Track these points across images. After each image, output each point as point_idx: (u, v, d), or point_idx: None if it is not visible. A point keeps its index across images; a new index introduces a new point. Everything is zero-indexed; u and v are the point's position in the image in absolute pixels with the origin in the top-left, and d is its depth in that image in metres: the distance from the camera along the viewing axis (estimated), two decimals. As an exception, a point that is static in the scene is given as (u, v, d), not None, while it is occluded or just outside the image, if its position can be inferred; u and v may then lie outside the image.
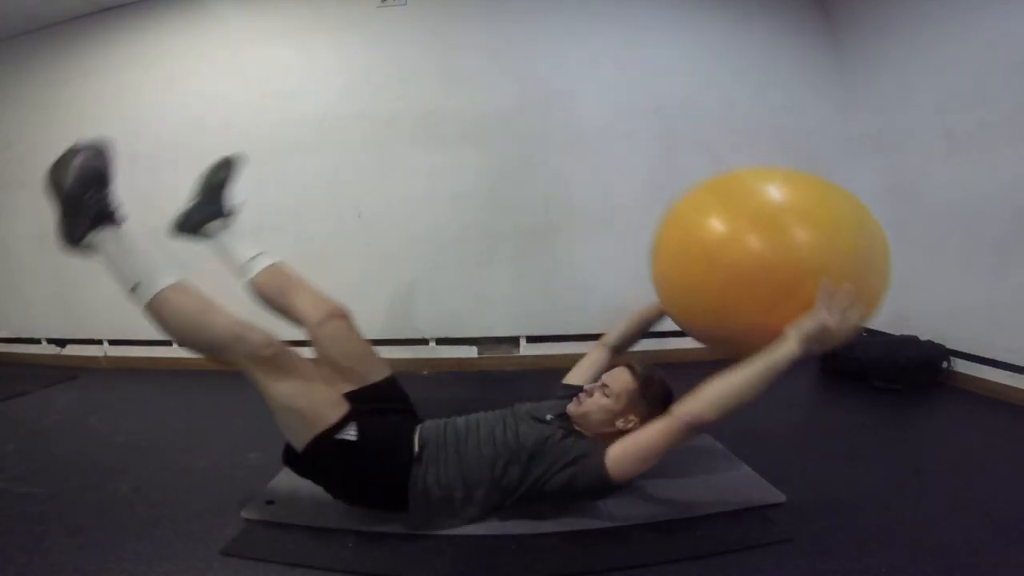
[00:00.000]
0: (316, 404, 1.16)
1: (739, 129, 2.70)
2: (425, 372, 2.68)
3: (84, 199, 1.13)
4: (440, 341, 2.75)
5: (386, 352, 2.73)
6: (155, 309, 1.14)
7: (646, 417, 1.30)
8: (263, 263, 1.47)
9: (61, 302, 2.95)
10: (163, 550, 1.16)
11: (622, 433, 1.29)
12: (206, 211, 1.50)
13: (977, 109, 2.11)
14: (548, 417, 1.32)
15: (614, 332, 1.65)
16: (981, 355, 2.15)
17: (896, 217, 2.58)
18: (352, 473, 1.19)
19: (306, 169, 2.66)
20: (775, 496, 1.33)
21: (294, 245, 2.71)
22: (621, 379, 1.32)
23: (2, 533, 1.23)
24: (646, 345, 2.83)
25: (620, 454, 1.16)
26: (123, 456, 1.68)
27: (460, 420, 1.35)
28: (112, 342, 2.94)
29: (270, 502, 1.34)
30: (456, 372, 2.67)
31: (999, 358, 2.09)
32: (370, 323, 2.81)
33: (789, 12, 2.73)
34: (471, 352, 2.75)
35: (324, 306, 1.42)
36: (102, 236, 1.15)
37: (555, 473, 1.20)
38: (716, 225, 1.25)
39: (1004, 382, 2.06)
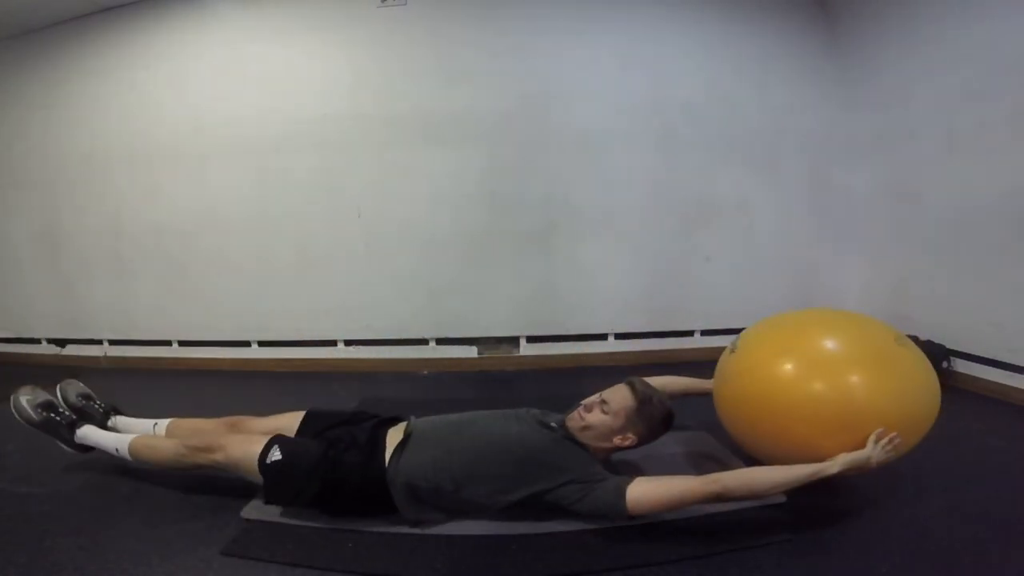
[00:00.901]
0: (245, 448, 1.31)
1: (739, 129, 2.70)
2: (425, 372, 2.68)
3: (53, 421, 1.51)
4: (440, 341, 2.75)
5: (386, 352, 2.74)
6: (135, 456, 1.44)
7: (643, 435, 1.32)
8: (164, 424, 1.63)
9: (61, 302, 2.95)
10: (163, 550, 1.16)
11: (618, 449, 1.31)
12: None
13: (977, 109, 2.11)
14: (554, 424, 1.33)
15: (659, 380, 1.59)
16: (981, 355, 2.15)
17: (896, 217, 2.59)
18: (306, 483, 1.23)
19: (306, 169, 2.66)
20: (775, 496, 1.32)
21: (294, 245, 2.71)
22: (620, 396, 1.32)
23: (2, 533, 1.23)
24: (649, 345, 2.85)
25: (644, 496, 1.17)
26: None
27: (454, 416, 1.37)
28: (112, 342, 2.94)
29: (270, 502, 1.34)
30: (456, 372, 2.67)
31: (999, 358, 2.09)
32: (370, 323, 2.83)
33: (790, 12, 2.72)
34: (471, 352, 2.75)
35: (221, 425, 1.60)
36: (84, 435, 1.51)
37: (560, 486, 1.20)
38: (790, 370, 1.30)
39: (1004, 382, 2.06)
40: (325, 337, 2.77)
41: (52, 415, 1.52)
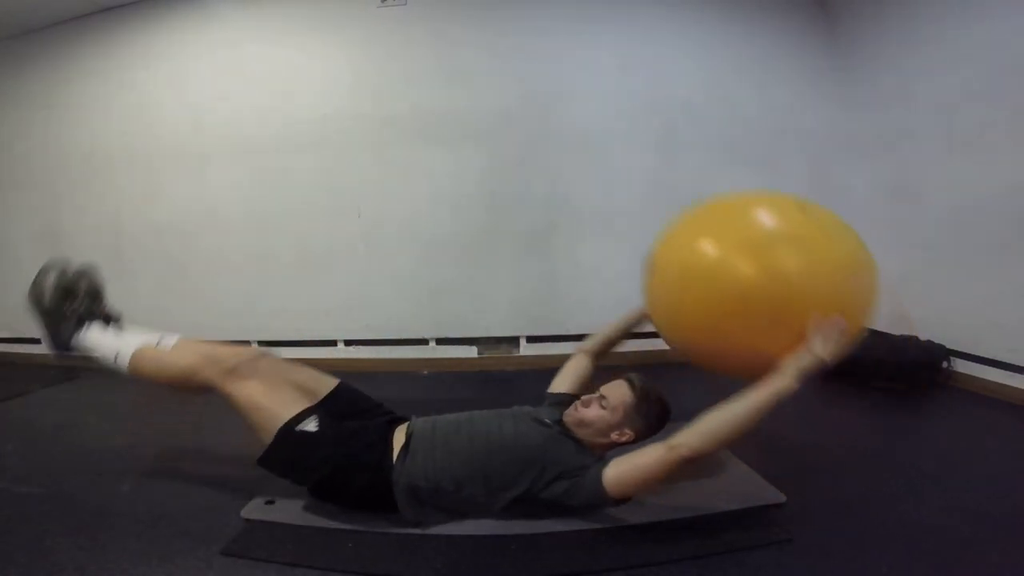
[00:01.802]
0: (278, 401, 1.25)
1: (739, 129, 2.70)
2: (425, 372, 2.68)
3: (63, 311, 1.39)
4: (440, 341, 2.75)
5: (386, 352, 2.74)
6: (135, 366, 1.34)
7: (641, 432, 1.31)
8: (173, 339, 1.44)
9: (61, 302, 2.95)
10: (163, 550, 1.16)
11: (616, 445, 1.31)
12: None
13: (977, 109, 2.11)
14: (548, 421, 1.33)
15: (595, 338, 1.68)
16: (981, 355, 2.15)
17: (896, 217, 2.58)
18: (318, 465, 1.21)
19: (306, 169, 2.66)
20: (775, 496, 1.32)
21: (294, 245, 2.71)
22: (619, 392, 1.32)
23: (2, 533, 1.23)
24: (639, 346, 2.84)
25: (617, 477, 1.18)
26: (123, 456, 1.68)
27: (452, 416, 1.37)
28: (112, 342, 2.94)
29: (270, 502, 1.34)
30: (456, 372, 2.67)
31: (999, 358, 2.09)
32: (370, 323, 2.83)
33: (790, 12, 2.72)
34: (471, 352, 2.75)
35: (241, 353, 1.42)
36: (84, 336, 1.40)
37: (551, 481, 1.20)
38: (711, 250, 1.28)
39: (1004, 382, 2.06)
40: (325, 337, 2.77)
41: (66, 305, 1.39)
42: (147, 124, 2.72)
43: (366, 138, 2.64)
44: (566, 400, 1.43)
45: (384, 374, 2.65)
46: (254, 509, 1.31)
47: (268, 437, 1.23)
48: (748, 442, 1.63)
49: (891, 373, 2.20)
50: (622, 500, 1.21)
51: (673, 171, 2.69)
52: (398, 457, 1.24)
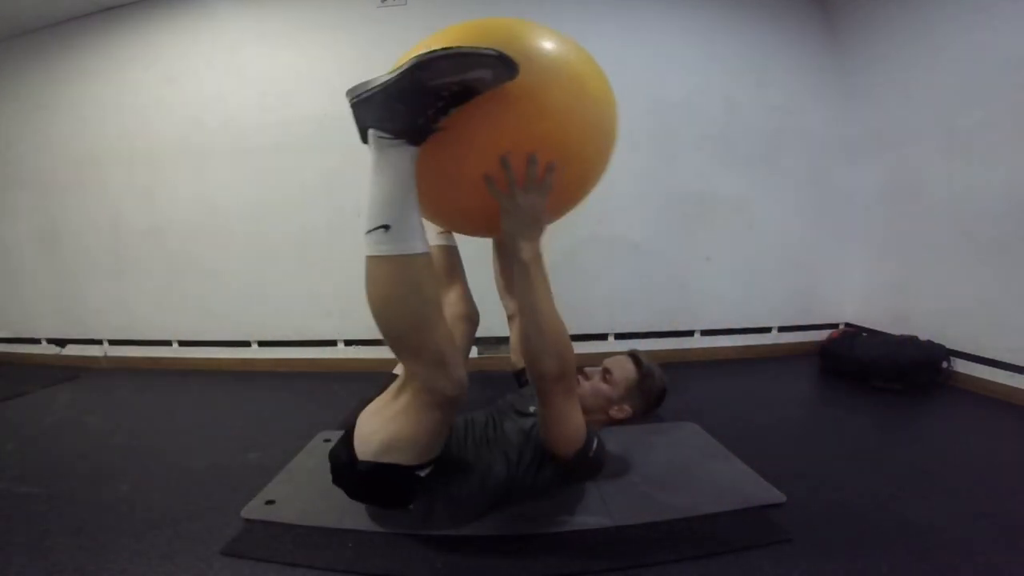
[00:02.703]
0: (431, 446, 1.09)
1: (739, 129, 2.70)
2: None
3: (430, 105, 0.88)
4: (440, 341, 2.75)
5: (387, 352, 2.73)
6: (391, 268, 0.93)
7: (639, 409, 1.31)
8: (452, 240, 1.48)
9: (61, 302, 2.95)
10: (163, 550, 1.16)
11: (612, 421, 1.30)
12: None
13: (977, 109, 2.11)
14: (531, 409, 1.31)
15: (504, 292, 1.59)
16: (981, 355, 2.15)
17: (896, 217, 2.59)
18: (391, 490, 1.15)
19: (306, 168, 2.66)
20: (775, 496, 1.33)
21: (294, 245, 2.71)
22: (624, 368, 1.32)
23: (2, 533, 1.23)
24: (649, 345, 2.85)
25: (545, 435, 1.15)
26: (123, 456, 1.68)
27: (459, 420, 1.36)
28: (112, 342, 2.94)
29: (270, 502, 1.34)
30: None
31: (999, 358, 2.09)
32: (371, 323, 2.81)
33: (789, 12, 2.72)
34: (471, 352, 2.74)
35: (468, 306, 1.45)
36: (401, 148, 0.92)
37: (541, 467, 1.20)
38: None
39: (1004, 382, 2.06)
40: (325, 337, 2.76)
41: (453, 104, 0.91)
42: (147, 124, 2.72)
43: (366, 138, 2.64)
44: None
45: (384, 374, 2.65)
46: (254, 509, 1.31)
47: (391, 458, 1.06)
48: (748, 442, 1.64)
49: (891, 373, 2.20)
50: (570, 454, 1.13)
51: (673, 171, 2.69)
52: (432, 468, 1.20)
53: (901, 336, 2.39)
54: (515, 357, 1.57)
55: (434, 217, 1.16)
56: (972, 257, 2.19)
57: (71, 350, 2.99)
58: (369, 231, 0.93)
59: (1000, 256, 2.07)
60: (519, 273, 1.04)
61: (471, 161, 0.97)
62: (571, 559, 1.12)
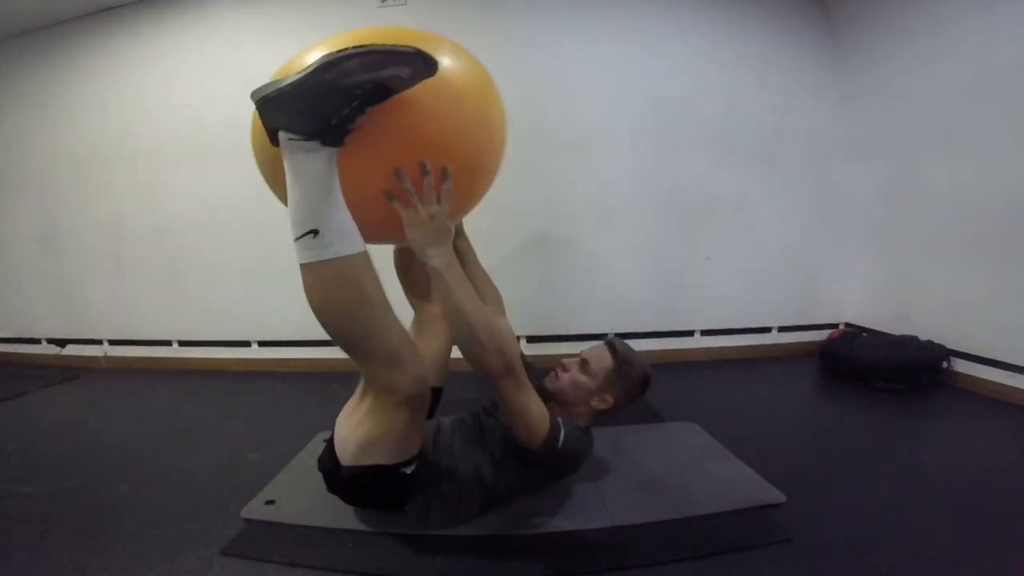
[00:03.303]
0: (406, 442, 1.09)
1: (739, 129, 2.70)
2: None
3: (344, 105, 0.83)
4: (440, 341, 2.75)
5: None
6: (328, 273, 0.89)
7: (621, 399, 1.30)
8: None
9: (61, 302, 2.95)
10: (163, 550, 1.16)
11: (594, 412, 1.29)
12: None
13: (976, 109, 2.11)
14: None
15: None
16: (981, 355, 2.15)
17: (896, 217, 2.59)
18: (381, 492, 1.16)
19: (306, 169, 2.66)
20: (775, 496, 1.33)
21: (294, 245, 2.71)
22: (600, 357, 1.31)
23: (2, 533, 1.23)
24: (649, 345, 2.85)
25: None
26: (123, 456, 1.68)
27: (447, 421, 1.36)
28: (112, 342, 2.94)
29: (270, 502, 1.34)
30: (456, 372, 2.66)
31: (999, 358, 2.09)
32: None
33: (788, 12, 2.72)
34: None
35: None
36: (317, 151, 0.86)
37: (521, 465, 1.20)
38: None
39: (1004, 382, 2.06)
40: (325, 337, 2.75)
41: (367, 104, 0.86)
42: (147, 124, 2.72)
43: (366, 138, 2.64)
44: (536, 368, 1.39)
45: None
46: (254, 509, 1.31)
47: (370, 460, 1.06)
48: (748, 442, 1.64)
49: (891, 373, 2.20)
50: (539, 445, 1.12)
51: (673, 171, 2.69)
52: (417, 465, 1.21)
53: (901, 336, 2.39)
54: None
55: None
56: (972, 257, 2.19)
57: (71, 350, 2.99)
58: (297, 238, 0.89)
59: (1000, 256, 2.07)
60: (436, 280, 1.03)
61: (362, 174, 0.94)
62: (571, 559, 1.12)
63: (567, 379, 1.30)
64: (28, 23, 2.75)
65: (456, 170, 0.98)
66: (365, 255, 0.91)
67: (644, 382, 1.33)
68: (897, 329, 2.49)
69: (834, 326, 2.85)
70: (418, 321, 1.47)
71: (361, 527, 1.22)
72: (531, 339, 2.75)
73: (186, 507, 1.34)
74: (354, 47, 0.81)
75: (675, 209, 2.72)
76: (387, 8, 2.60)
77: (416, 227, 0.98)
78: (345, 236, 0.89)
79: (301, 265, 0.90)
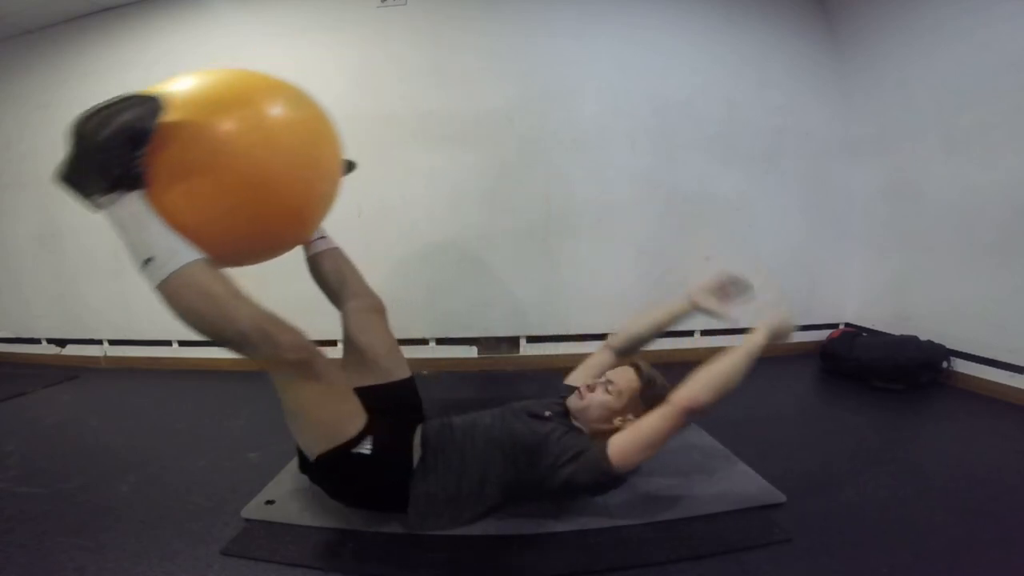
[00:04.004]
0: (338, 416, 1.14)
1: (739, 129, 2.70)
2: (425, 372, 2.68)
3: (113, 157, 0.94)
4: (440, 341, 2.75)
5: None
6: (172, 288, 0.97)
7: None
8: (330, 244, 1.56)
9: (61, 302, 2.95)
10: (163, 550, 1.16)
11: (618, 431, 1.29)
12: None
13: (976, 109, 2.11)
14: (547, 414, 1.32)
15: (621, 334, 1.63)
16: (981, 355, 2.15)
17: (896, 216, 2.59)
18: (360, 482, 1.18)
19: (306, 169, 2.66)
20: (775, 496, 1.33)
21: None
22: (625, 377, 1.32)
23: (2, 533, 1.23)
24: (651, 345, 2.84)
25: (622, 444, 1.17)
26: (123, 456, 1.68)
27: (458, 420, 1.35)
28: (112, 342, 2.94)
29: (270, 502, 1.34)
30: (456, 372, 2.67)
31: (999, 358, 2.09)
32: (370, 323, 2.83)
33: (789, 12, 2.72)
34: (471, 352, 2.75)
35: (369, 297, 1.52)
36: (120, 199, 0.97)
37: (556, 470, 1.19)
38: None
39: (1004, 382, 2.06)
40: (325, 337, 2.75)
41: (133, 148, 0.95)
42: (147, 124, 2.72)
43: (366, 138, 2.64)
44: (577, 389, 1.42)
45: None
46: (254, 509, 1.31)
47: (312, 449, 1.14)
48: (748, 442, 1.64)
49: (891, 373, 2.20)
50: (626, 472, 1.18)
51: (672, 171, 2.70)
52: (418, 464, 1.22)
53: (901, 336, 2.39)
54: (579, 378, 1.55)
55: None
56: (972, 257, 2.19)
57: (71, 350, 2.99)
58: (140, 270, 0.99)
59: (1000, 256, 2.07)
60: (748, 348, 1.27)
61: (183, 201, 1.01)
62: (571, 559, 1.12)
63: (592, 399, 1.30)
64: (28, 23, 2.75)
65: (254, 183, 1.05)
66: (200, 262, 0.99)
67: None
68: (897, 329, 2.49)
69: (834, 326, 2.85)
70: (347, 323, 1.49)
71: (361, 527, 1.22)
72: (531, 339, 2.75)
73: (186, 507, 1.34)
74: (85, 110, 0.95)
75: (675, 209, 2.72)
76: (387, 8, 2.60)
77: (781, 313, 1.38)
78: (174, 253, 0.98)
79: (154, 289, 0.99)
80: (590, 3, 2.61)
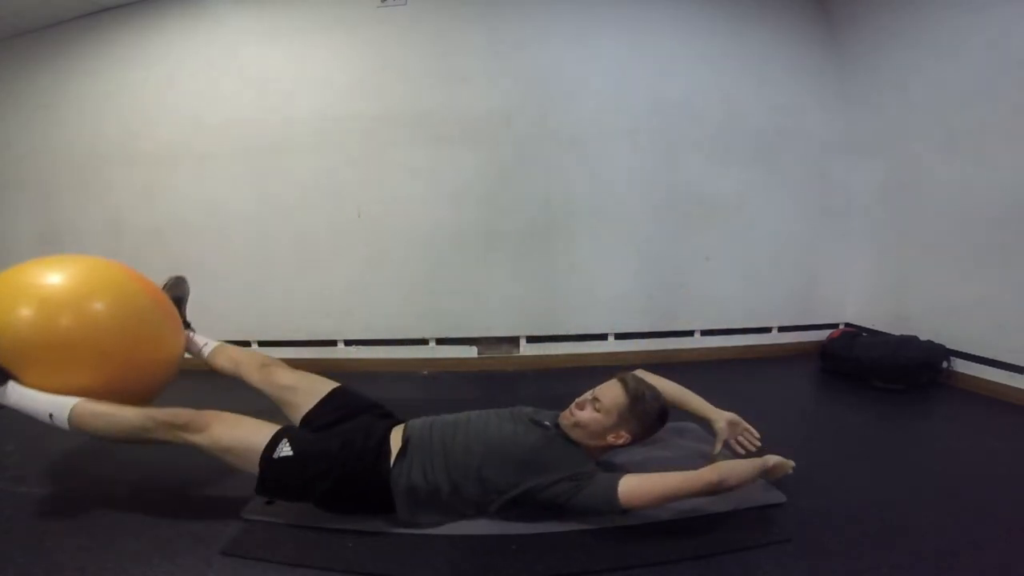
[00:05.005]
0: (242, 436, 1.25)
1: (739, 129, 2.70)
2: (425, 372, 2.68)
3: None
4: (440, 341, 2.75)
5: (386, 352, 2.74)
6: (77, 424, 1.24)
7: (637, 434, 1.31)
8: (210, 341, 1.72)
9: (61, 302, 2.95)
10: (163, 550, 1.16)
11: (612, 447, 1.31)
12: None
13: (976, 109, 2.11)
14: (547, 423, 1.32)
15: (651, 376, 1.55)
16: (981, 355, 2.15)
17: (896, 217, 2.59)
18: (313, 482, 1.20)
19: (306, 169, 2.66)
20: (775, 496, 1.33)
21: (294, 245, 2.71)
22: (611, 394, 1.30)
23: (2, 533, 1.23)
24: (649, 345, 2.85)
25: (637, 488, 1.18)
26: (123, 456, 1.68)
27: (450, 416, 1.36)
28: (112, 342, 2.94)
29: (270, 502, 1.34)
30: (456, 372, 2.67)
31: (999, 358, 2.09)
32: (370, 323, 2.83)
33: (789, 12, 2.72)
34: (471, 352, 2.75)
35: (257, 359, 1.63)
36: (4, 393, 1.25)
37: (552, 484, 1.20)
38: None
39: (1004, 382, 2.06)
40: (325, 337, 2.77)
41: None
42: (146, 124, 2.72)
43: (366, 138, 2.64)
44: None
45: (384, 374, 2.65)
46: (254, 509, 1.31)
47: (253, 469, 1.21)
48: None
49: (891, 373, 2.20)
50: (628, 511, 1.20)
51: (673, 171, 2.70)
52: (396, 460, 1.24)
53: (901, 336, 2.39)
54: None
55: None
56: (972, 257, 2.19)
57: (71, 350, 2.99)
58: (49, 423, 1.24)
59: (1000, 256, 2.07)
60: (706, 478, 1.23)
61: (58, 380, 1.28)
62: (571, 559, 1.12)
63: (582, 417, 1.29)
64: (28, 23, 2.75)
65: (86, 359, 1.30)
66: (80, 401, 1.24)
67: (661, 417, 1.34)
68: (897, 329, 2.49)
69: (834, 326, 2.85)
70: (263, 389, 1.56)
71: (361, 527, 1.22)
72: (531, 339, 2.75)
73: (186, 507, 1.34)
74: None
75: (675, 209, 2.72)
76: (387, 8, 2.60)
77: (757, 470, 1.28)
78: (63, 405, 1.23)
79: (69, 431, 1.25)
80: (590, 3, 2.61)
